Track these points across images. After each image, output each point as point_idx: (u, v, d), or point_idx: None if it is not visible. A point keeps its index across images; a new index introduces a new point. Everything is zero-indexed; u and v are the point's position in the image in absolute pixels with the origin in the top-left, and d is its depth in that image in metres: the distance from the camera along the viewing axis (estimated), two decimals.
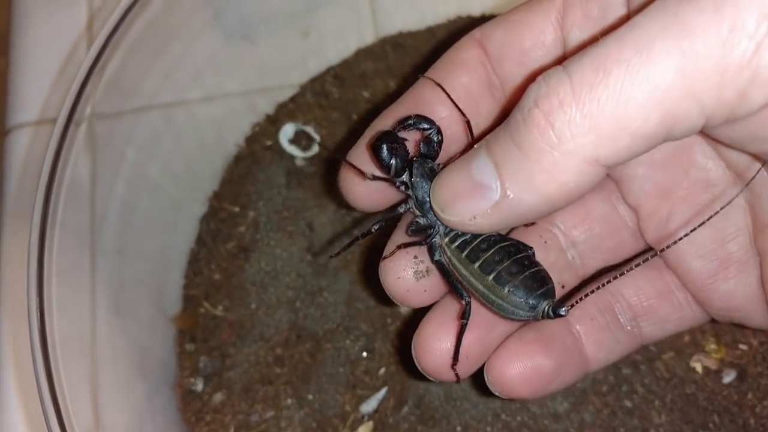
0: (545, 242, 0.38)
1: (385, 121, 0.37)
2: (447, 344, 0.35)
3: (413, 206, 0.36)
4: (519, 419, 0.46)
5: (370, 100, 0.58)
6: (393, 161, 0.35)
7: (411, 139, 0.36)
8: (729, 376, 0.45)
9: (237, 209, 0.55)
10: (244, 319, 0.51)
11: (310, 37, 0.59)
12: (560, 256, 0.39)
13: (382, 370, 0.48)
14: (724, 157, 0.35)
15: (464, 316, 0.34)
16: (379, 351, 0.49)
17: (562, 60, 0.36)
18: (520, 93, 0.30)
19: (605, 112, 0.25)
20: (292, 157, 0.56)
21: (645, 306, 0.39)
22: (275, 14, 0.58)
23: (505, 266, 0.33)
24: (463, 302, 0.34)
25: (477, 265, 0.33)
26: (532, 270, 0.33)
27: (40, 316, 0.37)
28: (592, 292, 0.33)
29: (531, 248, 0.35)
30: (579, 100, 0.26)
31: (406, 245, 0.36)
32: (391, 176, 0.35)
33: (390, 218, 0.37)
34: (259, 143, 0.57)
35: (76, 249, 0.45)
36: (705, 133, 0.27)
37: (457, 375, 0.36)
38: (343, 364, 0.49)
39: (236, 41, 0.57)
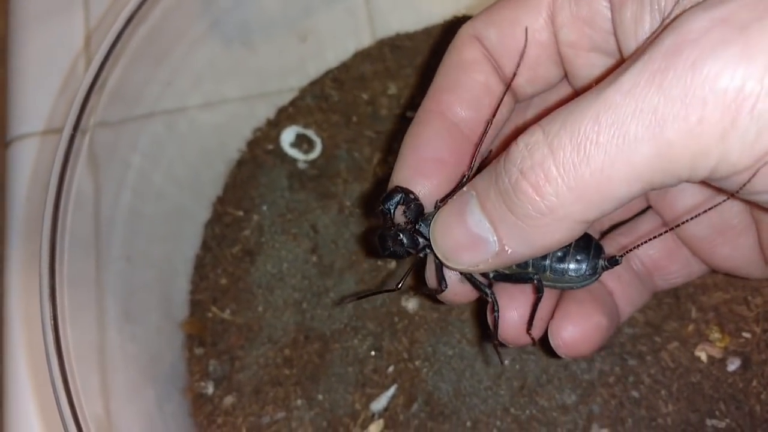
0: None
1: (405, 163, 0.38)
2: (520, 312, 0.38)
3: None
4: (528, 412, 0.46)
5: (369, 102, 0.58)
6: (406, 249, 0.37)
7: (399, 212, 0.37)
8: (733, 364, 0.45)
9: (241, 213, 0.56)
10: (251, 322, 0.52)
11: (308, 41, 0.59)
12: None
13: (391, 368, 0.49)
14: None
15: (539, 291, 0.36)
16: (387, 349, 0.49)
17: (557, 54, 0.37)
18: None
19: (590, 185, 0.28)
20: (294, 161, 0.57)
21: (657, 264, 0.42)
22: (273, 20, 0.58)
23: (551, 255, 0.35)
24: (534, 282, 0.36)
25: (530, 268, 0.35)
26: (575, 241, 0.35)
27: (54, 327, 0.38)
28: (641, 244, 0.36)
29: None
30: (564, 175, 0.28)
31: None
32: (416, 253, 0.37)
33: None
34: (261, 147, 0.58)
35: (83, 258, 0.45)
36: None
37: (533, 338, 0.38)
38: (351, 363, 0.49)
39: (235, 47, 0.57)
